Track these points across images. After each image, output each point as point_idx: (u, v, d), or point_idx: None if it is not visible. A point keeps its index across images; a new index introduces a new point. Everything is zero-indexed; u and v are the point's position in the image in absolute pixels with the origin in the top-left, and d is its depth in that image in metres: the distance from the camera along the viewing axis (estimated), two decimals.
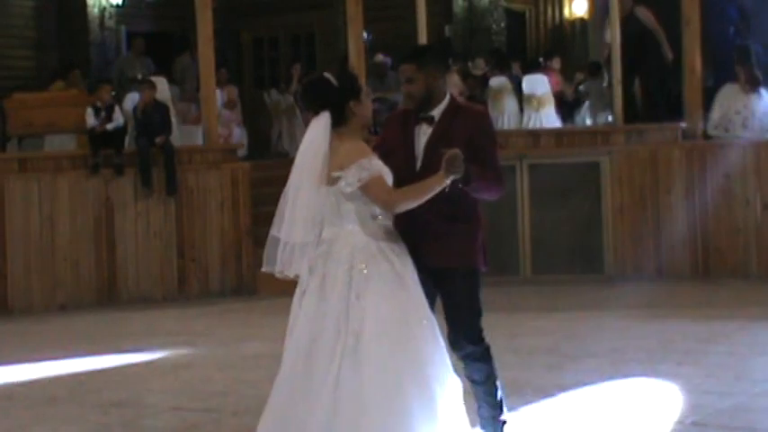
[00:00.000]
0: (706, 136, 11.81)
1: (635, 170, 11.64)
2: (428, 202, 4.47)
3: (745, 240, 11.34)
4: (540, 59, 14.55)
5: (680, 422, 5.88)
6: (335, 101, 4.44)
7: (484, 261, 4.88)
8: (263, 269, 4.53)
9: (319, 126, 4.42)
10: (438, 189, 4.42)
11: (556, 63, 13.93)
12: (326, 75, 4.55)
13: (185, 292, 11.67)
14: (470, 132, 4.71)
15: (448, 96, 4.82)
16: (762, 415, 5.99)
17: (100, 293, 11.44)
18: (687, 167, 11.50)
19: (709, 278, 11.30)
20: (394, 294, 4.36)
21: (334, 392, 4.23)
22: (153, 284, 11.60)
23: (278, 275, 4.49)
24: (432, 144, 4.70)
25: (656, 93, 12.76)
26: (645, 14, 12.75)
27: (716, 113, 11.86)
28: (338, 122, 4.44)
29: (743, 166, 11.38)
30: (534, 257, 11.73)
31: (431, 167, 4.53)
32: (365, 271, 4.36)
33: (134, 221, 11.55)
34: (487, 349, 4.91)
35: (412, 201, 4.46)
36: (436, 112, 4.77)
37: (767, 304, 9.76)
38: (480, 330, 4.88)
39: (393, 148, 4.76)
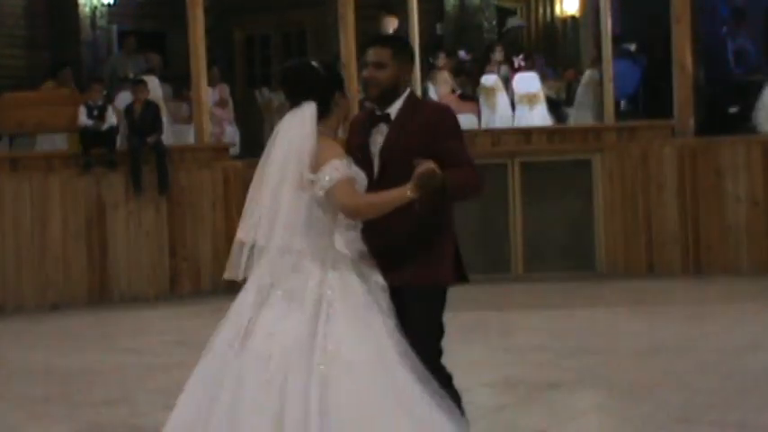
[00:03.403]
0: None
1: (626, 168, 11.67)
2: (395, 210, 3.97)
3: (735, 237, 11.38)
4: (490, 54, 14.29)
5: (671, 418, 5.90)
6: (323, 90, 4.01)
7: (454, 274, 4.28)
8: (226, 276, 4.12)
9: (305, 118, 3.94)
10: (400, 204, 3.92)
11: (498, 55, 13.75)
12: (312, 62, 4.11)
13: (177, 291, 11.65)
14: (431, 128, 4.16)
15: (406, 93, 4.28)
16: (752, 411, 6.00)
17: (91, 293, 11.41)
18: (678, 165, 11.53)
19: (701, 275, 11.33)
20: (367, 320, 3.90)
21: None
22: (145, 283, 11.59)
23: (240, 282, 4.08)
24: (388, 146, 4.19)
25: None
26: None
27: None
28: (321, 115, 3.99)
29: (734, 163, 11.43)
30: (526, 255, 11.75)
31: (387, 173, 4.14)
32: (336, 292, 3.90)
33: (125, 220, 11.53)
34: (449, 378, 4.21)
35: (376, 211, 3.98)
36: (392, 110, 4.23)
37: (758, 300, 9.79)
38: (438, 355, 4.22)
39: (353, 153, 4.19)
